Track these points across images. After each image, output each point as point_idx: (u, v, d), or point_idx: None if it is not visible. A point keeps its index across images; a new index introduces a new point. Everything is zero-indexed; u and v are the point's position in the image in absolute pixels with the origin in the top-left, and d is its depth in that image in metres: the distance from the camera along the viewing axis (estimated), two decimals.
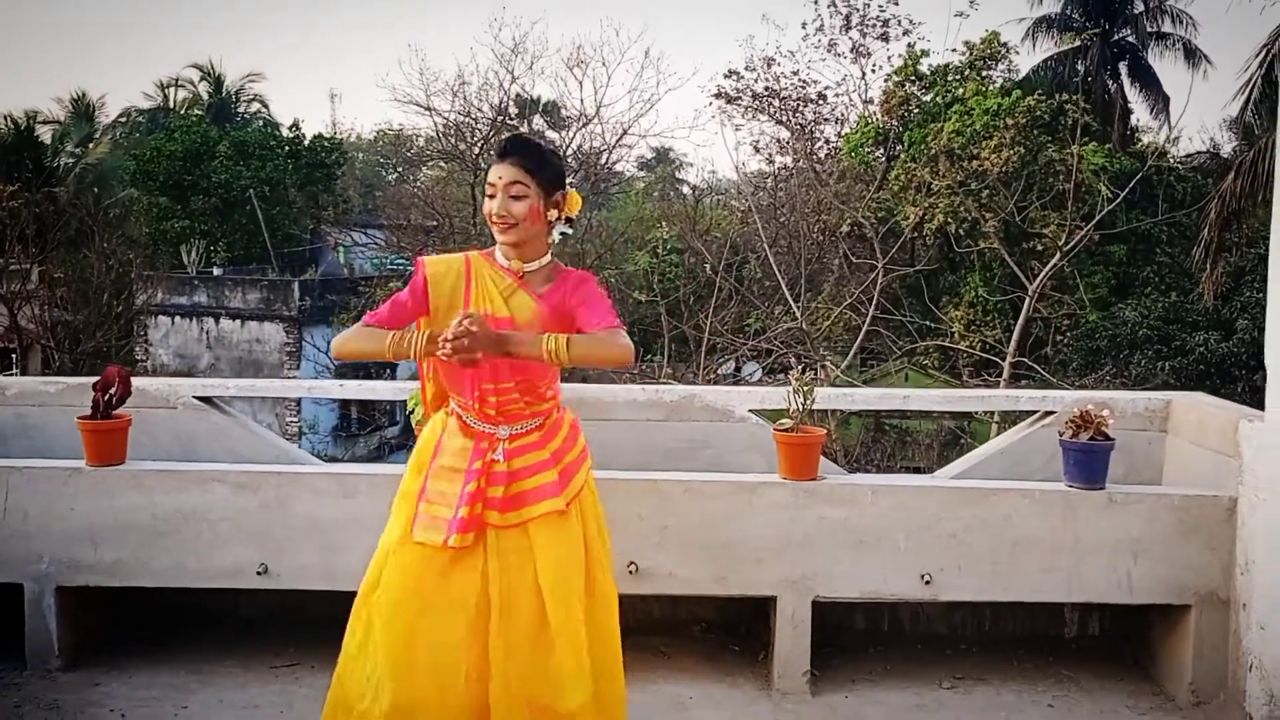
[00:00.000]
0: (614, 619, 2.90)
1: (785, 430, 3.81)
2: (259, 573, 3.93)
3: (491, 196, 2.74)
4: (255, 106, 39.87)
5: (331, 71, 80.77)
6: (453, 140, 22.46)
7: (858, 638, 4.29)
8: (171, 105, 38.27)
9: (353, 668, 2.81)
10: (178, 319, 24.38)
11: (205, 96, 38.05)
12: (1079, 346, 18.79)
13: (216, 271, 25.64)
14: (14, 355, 22.45)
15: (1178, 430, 4.28)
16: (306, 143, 29.19)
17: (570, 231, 2.89)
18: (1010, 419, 14.66)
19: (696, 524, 3.80)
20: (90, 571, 3.96)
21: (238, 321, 24.00)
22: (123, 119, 37.85)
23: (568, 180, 2.87)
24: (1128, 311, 18.63)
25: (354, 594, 4.00)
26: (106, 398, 4.01)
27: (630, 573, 3.77)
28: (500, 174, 2.73)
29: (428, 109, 21.64)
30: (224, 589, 4.07)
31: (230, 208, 27.14)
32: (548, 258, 2.82)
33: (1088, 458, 3.70)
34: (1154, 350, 17.89)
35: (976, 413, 15.46)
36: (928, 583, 3.75)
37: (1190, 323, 18.39)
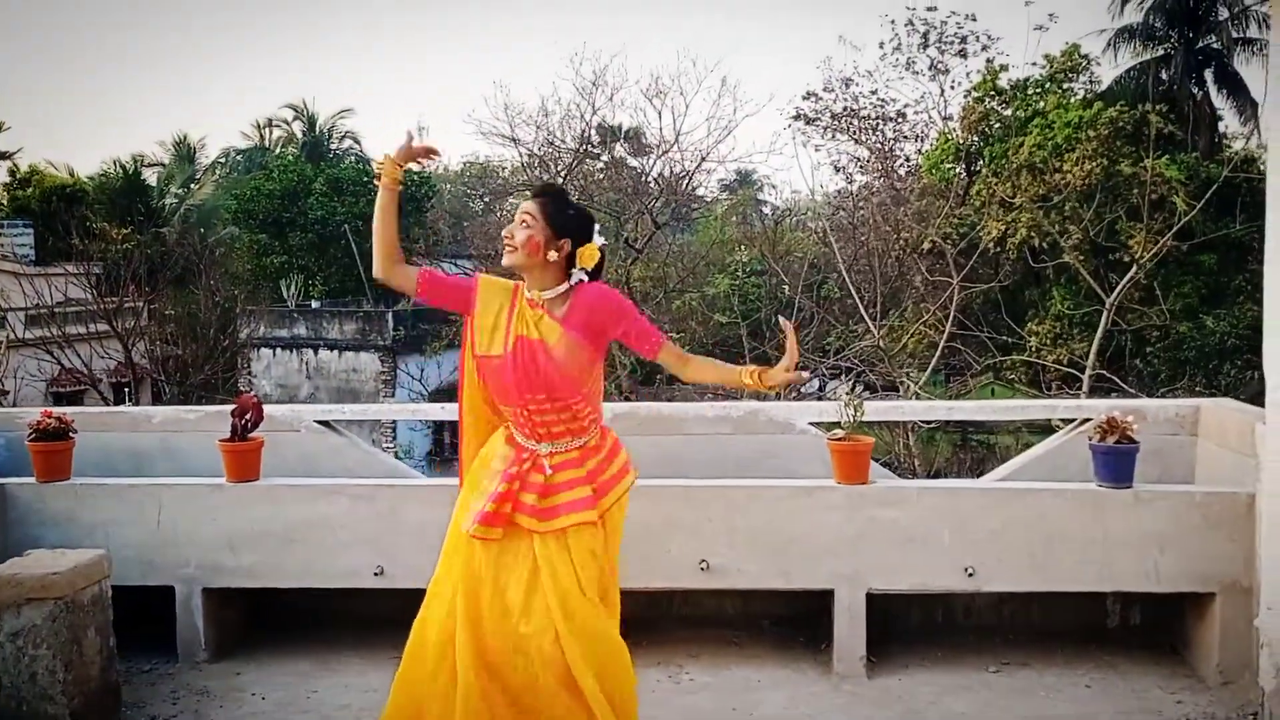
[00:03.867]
0: (616, 627, 3.22)
1: (838, 439, 4.24)
2: (375, 574, 4.48)
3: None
4: (347, 143, 41.18)
5: (418, 106, 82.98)
6: (537, 171, 23.19)
7: (913, 630, 4.68)
8: (268, 144, 39.83)
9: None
10: (279, 351, 25.49)
11: (299, 135, 39.43)
12: (1167, 358, 18.66)
13: (314, 304, 26.75)
14: (126, 389, 23.65)
15: (1206, 433, 4.61)
16: None
17: (585, 278, 3.15)
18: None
19: (761, 525, 4.24)
20: (231, 575, 4.56)
21: (335, 352, 25.01)
22: (222, 159, 39.53)
23: (599, 234, 3.23)
24: (1215, 322, 18.46)
25: None
26: (243, 422, 4.61)
27: (702, 570, 4.24)
28: (522, 205, 3.17)
29: (513, 140, 22.37)
30: (343, 591, 4.63)
31: (326, 243, 28.30)
32: (564, 286, 3.13)
33: (1115, 459, 4.06)
34: (1243, 360, 17.72)
35: (1057, 425, 15.55)
36: (970, 575, 4.15)
37: None
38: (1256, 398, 4.84)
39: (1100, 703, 3.98)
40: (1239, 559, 3.99)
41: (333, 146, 40.17)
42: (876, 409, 4.96)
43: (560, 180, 22.13)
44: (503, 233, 3.14)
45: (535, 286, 3.15)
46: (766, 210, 26.59)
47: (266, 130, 40.41)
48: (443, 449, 24.10)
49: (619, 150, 26.78)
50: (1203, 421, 4.65)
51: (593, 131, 23.83)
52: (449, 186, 38.91)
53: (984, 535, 4.14)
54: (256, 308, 25.97)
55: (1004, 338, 17.76)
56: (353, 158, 38.89)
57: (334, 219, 27.62)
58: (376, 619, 4.84)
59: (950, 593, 4.49)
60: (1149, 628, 4.60)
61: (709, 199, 25.82)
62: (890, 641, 4.46)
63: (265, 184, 28.51)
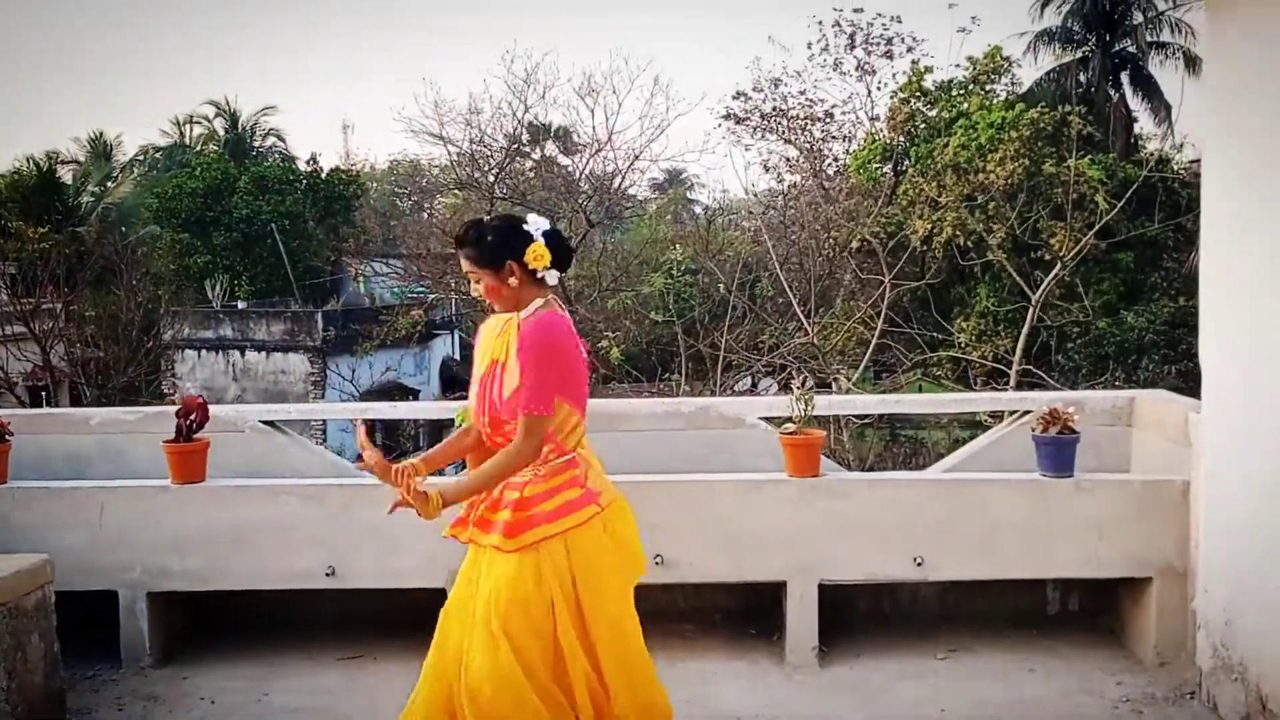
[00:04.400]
0: (629, 651, 3.11)
1: (789, 433, 4.31)
2: (327, 574, 4.44)
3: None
4: (271, 140, 40.53)
5: (344, 104, 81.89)
6: (467, 169, 23.03)
7: (861, 619, 4.76)
8: (188, 142, 39.01)
9: None
10: (204, 352, 25.02)
11: (221, 132, 38.70)
12: (1088, 353, 19.18)
13: (241, 305, 26.28)
14: (44, 393, 23.02)
15: (1141, 424, 4.77)
16: (324, 175, 29.90)
17: (554, 276, 3.08)
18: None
19: (714, 519, 4.29)
20: (177, 578, 4.49)
21: (263, 353, 24.62)
22: (141, 157, 38.61)
23: (532, 229, 3.08)
24: (1134, 318, 19.02)
25: (412, 591, 4.54)
26: (188, 423, 4.54)
27: (656, 564, 4.26)
28: (463, 265, 3.12)
29: (441, 138, 22.18)
30: (293, 593, 4.58)
31: (252, 242, 27.81)
32: (540, 301, 3.07)
33: (1057, 449, 4.19)
34: (1160, 355, 18.29)
35: (986, 419, 15.90)
36: (919, 564, 4.24)
37: (1195, 326, 18.72)
38: (1177, 390, 5.05)
39: (1045, 686, 4.10)
40: (1174, 544, 4.14)
41: (256, 144, 39.47)
42: (830, 403, 5.04)
43: (491, 180, 22.05)
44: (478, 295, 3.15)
45: (518, 310, 3.11)
46: (699, 209, 26.76)
47: (186, 127, 39.56)
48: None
49: (550, 149, 26.74)
50: (1137, 412, 4.81)
51: (523, 130, 23.77)
52: (375, 185, 38.48)
53: (932, 525, 4.24)
54: (180, 309, 25.44)
55: (933, 334, 18.11)
56: (277, 155, 38.28)
57: (259, 217, 27.16)
58: (327, 620, 4.82)
59: (897, 582, 4.59)
60: (1088, 612, 4.74)
61: (641, 198, 25.89)
62: (839, 631, 4.54)
63: (187, 182, 27.93)
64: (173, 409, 5.09)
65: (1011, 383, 15.04)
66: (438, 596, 4.46)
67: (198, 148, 37.20)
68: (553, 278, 3.07)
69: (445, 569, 4.42)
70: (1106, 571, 4.22)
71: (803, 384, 4.26)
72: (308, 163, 32.63)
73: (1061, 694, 4.03)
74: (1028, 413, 4.90)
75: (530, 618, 2.96)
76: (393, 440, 23.14)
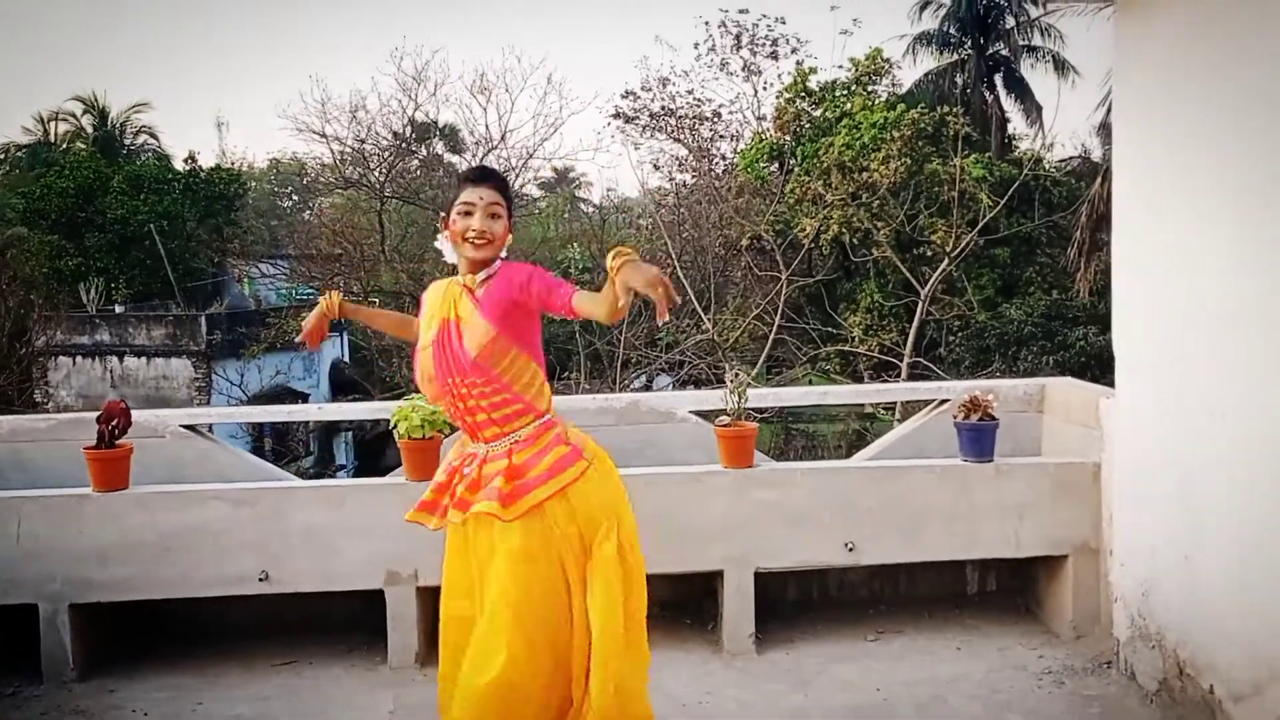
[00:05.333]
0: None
1: (725, 426, 4.41)
2: (260, 579, 4.38)
3: (468, 214, 2.96)
4: (143, 139, 39.07)
5: (221, 101, 79.39)
6: (353, 168, 22.66)
7: (794, 606, 4.90)
8: (53, 140, 37.34)
9: None
10: (79, 359, 24.03)
11: (90, 129, 37.16)
12: (970, 345, 19.86)
13: (119, 309, 25.32)
14: None
15: (1051, 410, 5.02)
16: (204, 174, 29.01)
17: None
18: (912, 414, 15.58)
19: (654, 512, 4.33)
20: (101, 589, 4.36)
21: (143, 359, 23.77)
22: (1, 155, 36.89)
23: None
24: (1013, 310, 19.76)
25: (350, 594, 4.50)
26: (110, 428, 4.42)
27: None
28: (481, 195, 2.97)
29: (322, 135, 21.74)
30: (224, 599, 4.49)
31: (128, 244, 26.80)
32: (496, 265, 3.02)
33: (978, 435, 4.38)
34: (1039, 346, 19.05)
35: (879, 413, 16.37)
36: (850, 550, 4.39)
37: (1070, 318, 19.63)
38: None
39: (971, 662, 4.29)
40: (1088, 523, 4.37)
41: (128, 142, 38.01)
42: (759, 395, 5.17)
43: (380, 180, 21.76)
44: (470, 229, 2.95)
45: (470, 273, 3.04)
46: (592, 207, 26.83)
47: (51, 125, 37.83)
48: (262, 454, 23.28)
49: (439, 148, 26.46)
50: (1048, 399, 5.06)
51: (411, 128, 23.49)
52: (253, 185, 37.46)
53: (862, 512, 4.39)
54: (53, 314, 24.37)
55: (825, 329, 18.54)
56: (150, 154, 36.94)
57: (136, 218, 26.20)
58: (260, 625, 4.74)
59: (827, 568, 4.74)
60: (1005, 591, 4.97)
61: (534, 197, 25.83)
62: (773, 618, 4.66)
63: (56, 181, 26.78)
64: (86, 416, 4.96)
65: (903, 375, 15.53)
66: (375, 598, 4.46)
67: (64, 145, 35.64)
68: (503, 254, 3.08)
69: (383, 570, 4.42)
70: (1026, 551, 4.43)
71: (735, 377, 4.33)
72: (186, 161, 31.61)
73: (987, 669, 4.22)
74: (944, 401, 5.11)
75: (542, 589, 2.92)
76: (282, 446, 22.65)
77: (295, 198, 34.69)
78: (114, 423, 4.43)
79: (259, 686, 4.33)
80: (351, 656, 4.60)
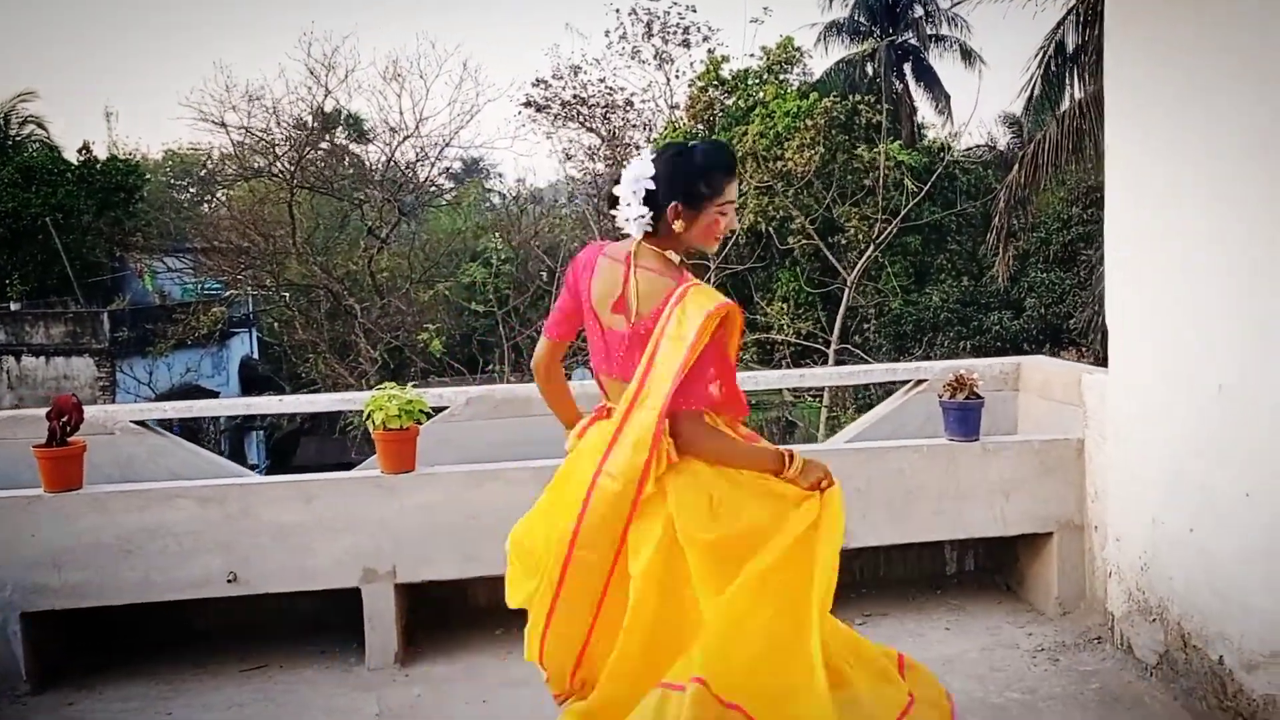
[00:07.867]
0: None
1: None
2: (229, 581, 4.16)
3: (724, 215, 2.67)
4: (30, 129, 37.45)
5: (114, 88, 76.36)
6: (260, 157, 21.96)
7: None
8: None
9: None
10: None
11: None
12: (888, 331, 20.16)
13: (13, 307, 24.21)
14: None
15: (1026, 388, 5.05)
16: (99, 166, 27.87)
17: None
18: (838, 400, 15.72)
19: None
20: (55, 595, 4.10)
21: (41, 358, 22.78)
22: None
23: None
24: (930, 297, 20.10)
25: (321, 593, 4.30)
26: (62, 425, 4.15)
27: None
28: (728, 190, 2.66)
29: (223, 125, 21.02)
30: (189, 603, 4.25)
31: (20, 238, 25.63)
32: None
33: (964, 414, 4.37)
34: (955, 331, 19.43)
35: (804, 399, 16.50)
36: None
37: (984, 304, 20.05)
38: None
39: (963, 642, 4.28)
40: (1072, 499, 4.39)
41: (13, 133, 36.37)
42: (750, 377, 5.08)
43: (290, 167, 21.13)
44: (733, 226, 2.70)
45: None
46: (497, 198, 26.50)
47: None
48: None
49: (348, 136, 25.86)
50: (1023, 377, 5.08)
51: (317, 117, 22.91)
52: (149, 176, 36.17)
53: (851, 493, 4.29)
54: None
55: (751, 317, 18.58)
56: (37, 144, 35.40)
57: (28, 211, 25.05)
58: (229, 628, 4.52)
59: None
60: (984, 570, 4.98)
61: (449, 186, 25.44)
62: None
63: None
64: (24, 413, 4.67)
65: (830, 361, 15.65)
66: (342, 596, 4.27)
67: None
68: None
69: (359, 567, 4.24)
70: (1013, 529, 4.43)
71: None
72: (80, 152, 30.34)
73: (980, 649, 4.20)
74: (920, 381, 5.11)
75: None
76: (194, 443, 21.91)
77: (193, 190, 33.58)
78: (65, 419, 4.16)
79: (230, 693, 4.11)
80: (325, 658, 4.40)
